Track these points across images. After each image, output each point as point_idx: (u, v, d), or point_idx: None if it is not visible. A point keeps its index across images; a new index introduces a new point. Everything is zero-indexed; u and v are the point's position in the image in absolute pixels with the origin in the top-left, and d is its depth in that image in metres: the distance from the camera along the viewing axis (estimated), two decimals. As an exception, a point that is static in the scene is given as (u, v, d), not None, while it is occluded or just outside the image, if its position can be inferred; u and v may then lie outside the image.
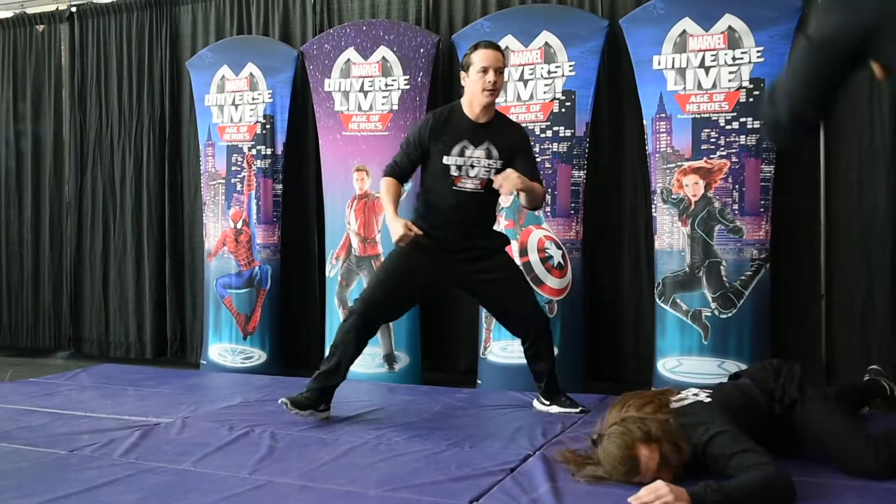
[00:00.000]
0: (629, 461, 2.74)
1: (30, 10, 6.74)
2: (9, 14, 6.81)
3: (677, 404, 2.96)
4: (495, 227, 4.11)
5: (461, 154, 3.79)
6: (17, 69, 6.79)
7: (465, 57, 3.87)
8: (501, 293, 3.93)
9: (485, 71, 3.73)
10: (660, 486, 2.56)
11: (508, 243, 4.10)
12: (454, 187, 3.80)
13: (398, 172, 3.93)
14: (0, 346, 6.87)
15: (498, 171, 3.74)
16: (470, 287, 4.01)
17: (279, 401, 3.82)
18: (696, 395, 3.02)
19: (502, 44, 4.86)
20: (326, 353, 3.96)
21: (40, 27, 6.71)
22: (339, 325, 3.91)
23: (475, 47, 3.81)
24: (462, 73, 3.86)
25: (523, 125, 4.77)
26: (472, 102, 3.83)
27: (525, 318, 3.95)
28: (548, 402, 4.00)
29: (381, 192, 3.90)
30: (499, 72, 3.76)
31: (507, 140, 3.86)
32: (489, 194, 3.81)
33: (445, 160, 3.79)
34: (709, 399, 2.97)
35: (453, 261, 3.85)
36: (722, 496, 2.48)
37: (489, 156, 3.80)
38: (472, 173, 3.79)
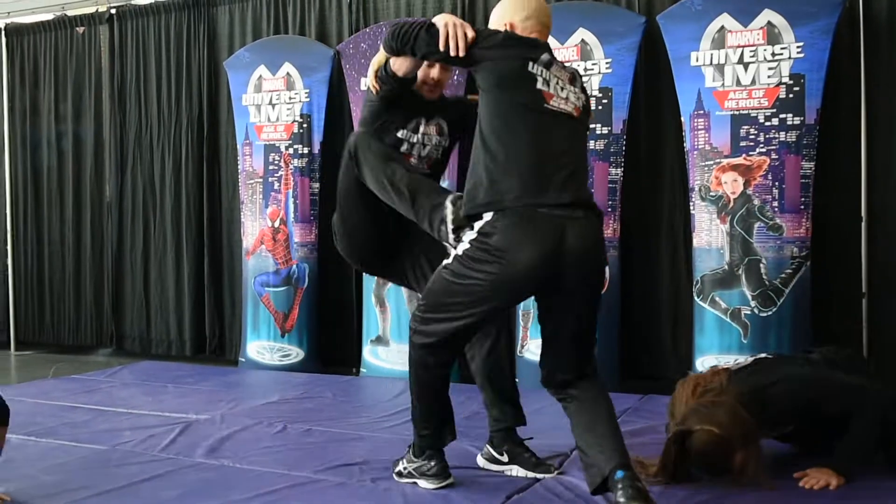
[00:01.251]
0: (725, 464, 2.77)
1: (70, 12, 6.83)
2: (49, 16, 6.90)
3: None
4: None
5: (416, 130, 3.23)
6: (59, 70, 6.88)
7: None
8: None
9: (430, 64, 3.14)
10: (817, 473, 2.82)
11: None
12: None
13: None
14: (43, 344, 6.98)
15: (445, 151, 3.32)
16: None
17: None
18: (753, 355, 3.22)
19: (538, 41, 4.86)
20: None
21: (80, 29, 6.80)
22: None
23: None
24: None
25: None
26: (418, 86, 3.23)
27: None
28: (506, 459, 3.11)
29: None
30: (445, 67, 3.19)
31: (456, 113, 3.35)
32: (434, 177, 3.33)
33: (400, 134, 3.19)
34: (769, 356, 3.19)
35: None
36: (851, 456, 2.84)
37: (440, 132, 3.28)
38: (423, 153, 3.25)
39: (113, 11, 6.61)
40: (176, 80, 6.35)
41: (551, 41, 4.76)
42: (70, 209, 6.84)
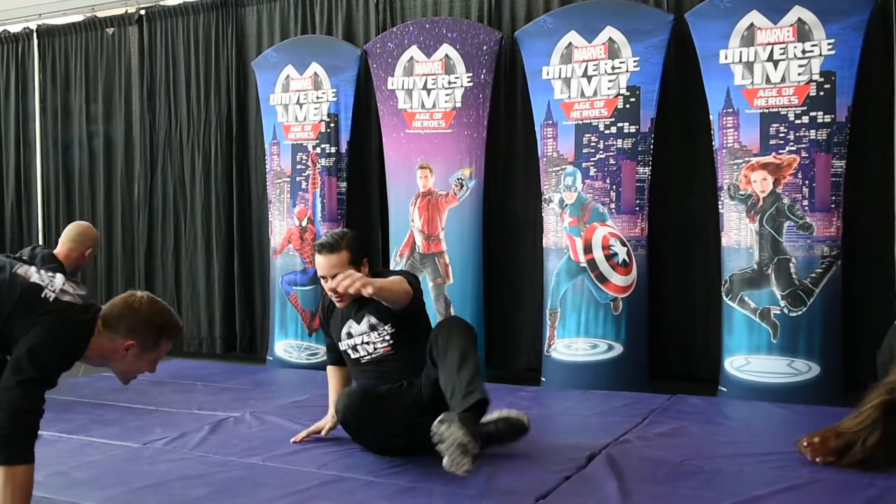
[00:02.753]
0: None
1: (100, 14, 6.89)
2: (80, 18, 6.98)
3: None
4: None
5: (349, 336, 3.43)
6: (89, 71, 6.95)
7: None
8: None
9: (323, 279, 3.34)
10: None
11: None
12: (361, 367, 3.44)
13: (332, 357, 3.63)
14: (74, 342, 7.04)
15: (392, 335, 3.36)
16: None
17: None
18: None
19: (565, 40, 4.85)
20: None
21: (110, 30, 6.87)
22: None
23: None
24: None
25: (587, 122, 4.76)
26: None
27: None
28: None
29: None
30: (334, 277, 3.19)
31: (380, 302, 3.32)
32: (401, 355, 3.37)
33: (341, 346, 3.48)
34: None
35: None
36: None
37: (372, 327, 3.39)
38: (370, 350, 3.40)
39: (142, 12, 6.67)
40: (205, 81, 6.40)
41: (579, 39, 4.79)
42: (101, 209, 6.90)
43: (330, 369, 3.64)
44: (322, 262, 3.31)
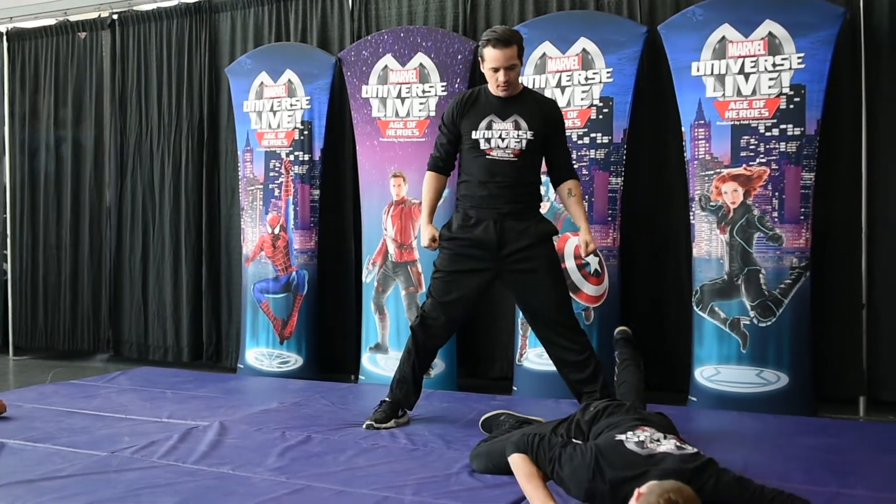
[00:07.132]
0: None
1: (72, 18, 6.82)
2: (52, 21, 6.91)
3: None
4: (540, 210, 4.04)
5: (489, 127, 3.86)
6: (59, 76, 6.88)
7: (479, 47, 3.91)
8: (528, 287, 3.93)
9: (495, 70, 3.79)
10: None
11: (555, 233, 4.04)
12: (487, 157, 3.87)
13: (439, 162, 4.04)
14: (39, 348, 6.96)
15: (529, 142, 3.86)
16: (508, 282, 3.99)
17: (364, 426, 3.91)
18: None
19: (539, 50, 4.87)
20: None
21: (82, 34, 6.81)
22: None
23: (487, 42, 3.80)
24: (479, 60, 3.92)
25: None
26: (493, 88, 3.91)
27: (548, 322, 3.95)
28: None
29: (423, 190, 4.05)
30: (510, 69, 3.78)
31: (539, 114, 3.92)
32: (523, 163, 3.89)
33: (474, 135, 3.87)
34: None
35: (495, 257, 3.88)
36: None
37: (517, 127, 3.85)
38: (502, 144, 3.85)
39: (115, 17, 6.61)
40: (177, 86, 6.35)
41: (553, 50, 4.82)
42: (68, 214, 6.82)
43: (431, 175, 4.05)
44: (498, 55, 3.75)
